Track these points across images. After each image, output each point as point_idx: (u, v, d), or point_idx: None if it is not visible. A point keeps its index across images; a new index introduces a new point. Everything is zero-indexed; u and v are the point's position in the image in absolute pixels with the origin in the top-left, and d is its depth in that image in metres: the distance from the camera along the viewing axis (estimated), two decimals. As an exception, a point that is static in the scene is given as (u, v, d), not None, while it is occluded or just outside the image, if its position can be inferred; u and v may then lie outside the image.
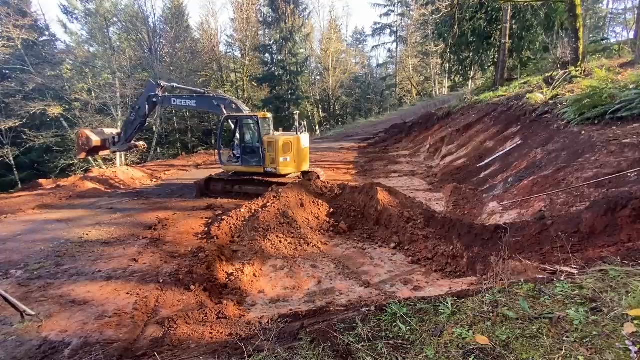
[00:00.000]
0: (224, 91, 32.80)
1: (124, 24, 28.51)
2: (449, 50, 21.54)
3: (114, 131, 12.13)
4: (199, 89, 12.44)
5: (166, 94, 11.70)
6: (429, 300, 2.58)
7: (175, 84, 12.55)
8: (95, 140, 11.11)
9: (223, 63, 37.11)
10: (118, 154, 20.12)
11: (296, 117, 11.19)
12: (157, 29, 30.67)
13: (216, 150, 10.79)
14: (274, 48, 34.34)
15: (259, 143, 9.60)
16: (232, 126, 10.52)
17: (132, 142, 11.87)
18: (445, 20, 19.61)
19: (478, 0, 18.32)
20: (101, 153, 12.65)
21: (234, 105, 10.08)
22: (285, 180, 9.65)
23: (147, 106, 11.12)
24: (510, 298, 2.34)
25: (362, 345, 2.08)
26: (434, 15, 19.33)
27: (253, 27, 36.49)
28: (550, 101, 10.32)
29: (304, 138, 10.06)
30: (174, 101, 11.30)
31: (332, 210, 7.29)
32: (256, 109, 30.21)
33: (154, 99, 11.08)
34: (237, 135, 10.13)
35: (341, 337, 2.18)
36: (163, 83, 11.52)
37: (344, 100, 44.42)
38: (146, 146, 13.92)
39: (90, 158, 13.39)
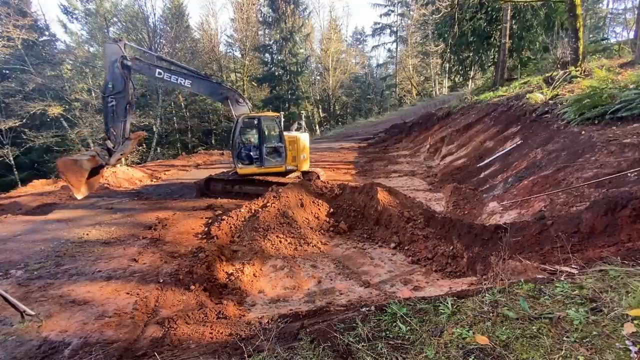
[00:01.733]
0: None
1: (124, 24, 28.52)
2: (449, 50, 21.54)
3: (96, 149, 9.18)
4: (198, 71, 10.09)
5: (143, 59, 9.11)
6: (429, 300, 2.58)
7: (162, 55, 9.95)
8: (87, 158, 8.40)
9: (223, 63, 37.14)
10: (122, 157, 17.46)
11: (302, 117, 11.25)
12: (157, 29, 30.66)
13: (228, 152, 10.10)
14: (274, 48, 34.38)
15: (282, 142, 9.84)
16: (240, 126, 9.64)
17: (130, 134, 9.19)
18: (445, 20, 19.61)
19: (478, 0, 18.33)
20: (106, 173, 10.25)
21: (240, 100, 9.62)
22: (285, 180, 9.67)
23: (120, 74, 8.42)
24: (510, 298, 2.34)
25: (362, 345, 2.08)
26: (434, 15, 19.34)
27: (253, 27, 36.50)
28: (550, 101, 10.32)
29: (306, 137, 10.37)
30: (160, 73, 8.86)
31: (332, 210, 7.29)
32: (256, 109, 30.21)
33: (126, 62, 8.51)
34: (253, 136, 9.91)
35: (341, 337, 2.18)
36: (125, 42, 8.87)
37: (344, 100, 44.45)
38: (145, 134, 10.63)
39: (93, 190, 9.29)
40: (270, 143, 9.92)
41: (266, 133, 9.83)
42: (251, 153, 9.86)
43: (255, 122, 9.71)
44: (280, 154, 9.96)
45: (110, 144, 8.69)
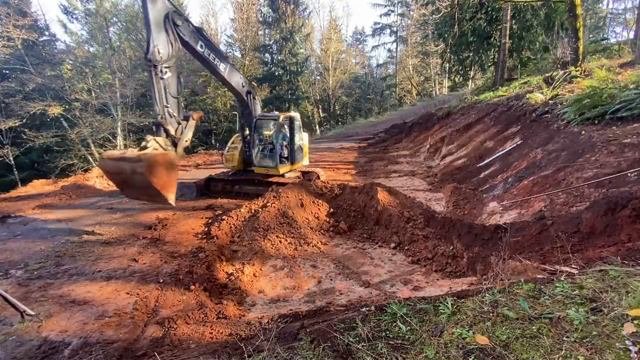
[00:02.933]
0: (224, 91, 32.82)
1: (124, 24, 28.49)
2: (449, 50, 21.55)
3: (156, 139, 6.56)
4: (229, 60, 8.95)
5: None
6: (429, 300, 2.58)
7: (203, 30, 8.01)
8: (177, 151, 6.67)
9: (223, 63, 37.09)
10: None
11: None
12: (157, 29, 30.61)
13: (269, 154, 9.95)
14: (274, 48, 34.41)
15: (301, 141, 10.65)
16: (282, 126, 9.94)
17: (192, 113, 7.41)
18: (445, 20, 19.62)
19: (478, 0, 18.33)
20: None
21: (256, 97, 9.84)
22: (285, 180, 9.68)
23: (172, 34, 6.61)
24: (510, 298, 2.34)
25: (362, 345, 2.08)
26: (434, 15, 19.35)
27: (253, 27, 36.50)
28: (550, 101, 10.32)
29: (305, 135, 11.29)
30: (202, 47, 7.41)
31: (332, 210, 7.29)
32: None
33: (178, 20, 6.75)
34: (286, 135, 10.23)
35: (341, 337, 2.18)
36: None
37: (344, 100, 44.45)
38: (202, 114, 8.11)
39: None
40: (296, 142, 10.39)
41: (294, 133, 10.23)
42: (284, 152, 10.17)
43: (289, 121, 10.09)
44: (301, 150, 10.68)
45: (171, 130, 6.57)
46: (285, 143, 10.08)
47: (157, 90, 6.58)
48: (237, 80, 8.93)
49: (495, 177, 8.70)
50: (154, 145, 6.39)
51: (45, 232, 7.51)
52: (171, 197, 6.24)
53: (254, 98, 9.66)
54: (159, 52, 6.44)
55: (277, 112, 10.09)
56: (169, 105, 6.64)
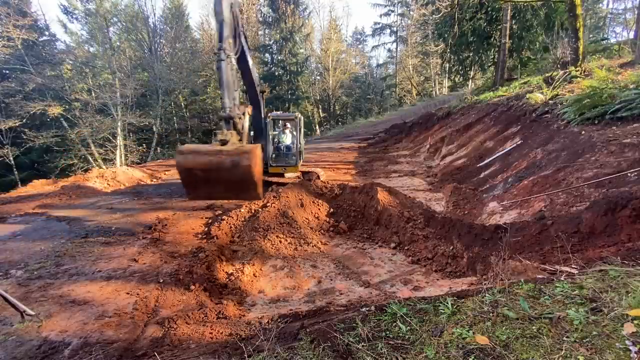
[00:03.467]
0: (224, 91, 32.78)
1: (124, 24, 28.52)
2: (449, 50, 21.55)
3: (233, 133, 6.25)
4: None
5: None
6: (429, 300, 2.58)
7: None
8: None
9: (223, 63, 37.02)
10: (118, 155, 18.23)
11: None
12: (157, 29, 30.69)
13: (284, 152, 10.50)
14: (274, 48, 34.45)
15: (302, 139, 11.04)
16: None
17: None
18: (445, 20, 19.61)
19: (478, 0, 18.33)
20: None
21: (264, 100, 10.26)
22: (285, 180, 9.69)
23: (236, 22, 6.89)
24: (510, 298, 2.33)
25: (362, 345, 2.08)
26: (434, 15, 19.35)
27: (253, 27, 36.52)
28: (550, 101, 10.32)
29: None
30: (244, 44, 7.85)
31: (332, 210, 7.29)
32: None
33: (237, 10, 7.18)
34: (295, 134, 10.60)
35: (341, 337, 2.18)
36: None
37: (344, 100, 44.45)
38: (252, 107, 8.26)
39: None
40: (301, 139, 10.74)
41: (301, 133, 10.63)
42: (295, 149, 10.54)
43: (299, 121, 10.59)
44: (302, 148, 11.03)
45: (239, 124, 6.46)
46: (296, 141, 10.46)
47: (230, 82, 6.35)
48: (256, 76, 9.21)
49: (495, 177, 8.70)
50: (233, 139, 6.09)
51: (45, 232, 7.50)
52: (261, 191, 6.09)
53: (262, 98, 9.85)
54: (230, 43, 6.44)
55: (282, 113, 10.50)
56: (235, 99, 6.49)
